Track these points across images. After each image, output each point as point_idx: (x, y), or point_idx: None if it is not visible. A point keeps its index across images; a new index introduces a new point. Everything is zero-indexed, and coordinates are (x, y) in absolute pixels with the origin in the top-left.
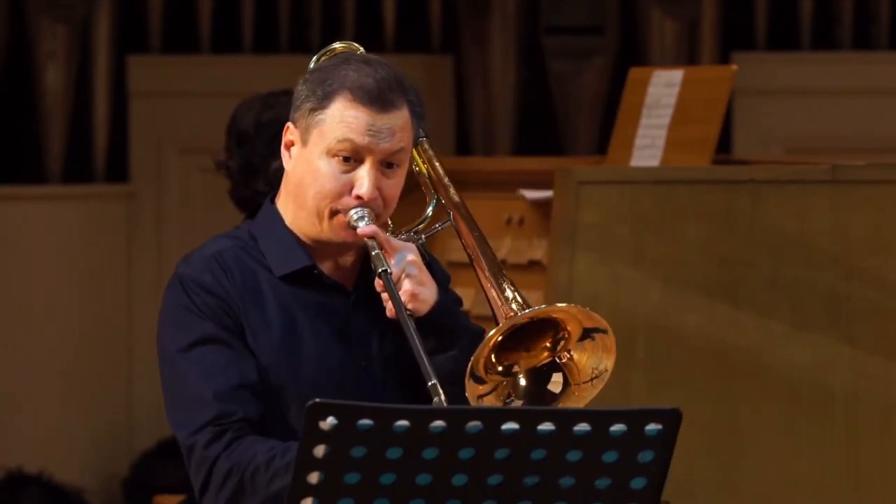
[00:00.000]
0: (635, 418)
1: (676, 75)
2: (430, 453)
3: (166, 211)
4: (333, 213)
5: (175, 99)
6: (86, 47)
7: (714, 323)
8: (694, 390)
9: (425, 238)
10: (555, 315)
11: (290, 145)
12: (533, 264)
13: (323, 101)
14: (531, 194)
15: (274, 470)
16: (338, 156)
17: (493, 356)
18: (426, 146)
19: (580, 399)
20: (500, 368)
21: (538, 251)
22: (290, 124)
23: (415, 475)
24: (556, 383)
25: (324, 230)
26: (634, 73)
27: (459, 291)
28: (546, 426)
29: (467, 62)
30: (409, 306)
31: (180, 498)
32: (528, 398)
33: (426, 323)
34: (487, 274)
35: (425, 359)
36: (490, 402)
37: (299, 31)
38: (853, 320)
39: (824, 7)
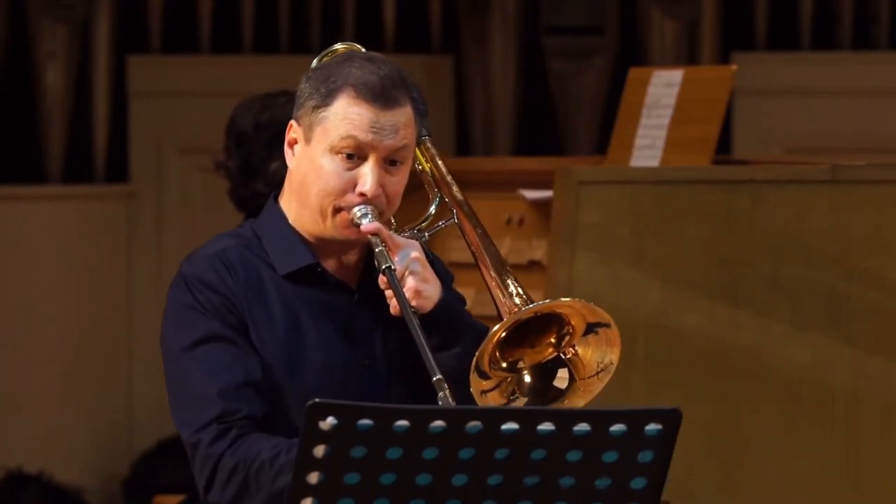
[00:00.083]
0: (635, 418)
1: (676, 75)
2: (430, 453)
3: (166, 211)
4: (337, 210)
5: (175, 99)
6: (86, 47)
7: (714, 323)
8: (694, 390)
9: (428, 236)
10: (558, 310)
11: (293, 143)
12: (533, 264)
13: (326, 99)
14: (531, 194)
15: (278, 466)
16: (341, 153)
17: (497, 352)
18: (429, 144)
19: (587, 394)
20: (504, 365)
21: (538, 251)
22: (293, 122)
23: (415, 475)
24: (561, 379)
25: (327, 228)
26: (634, 73)
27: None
28: (546, 426)
29: (467, 62)
30: (413, 303)
31: (180, 498)
32: (533, 394)
33: (430, 320)
34: (492, 272)
35: (430, 354)
36: (494, 398)
37: (299, 31)
38: (853, 320)
39: (824, 7)
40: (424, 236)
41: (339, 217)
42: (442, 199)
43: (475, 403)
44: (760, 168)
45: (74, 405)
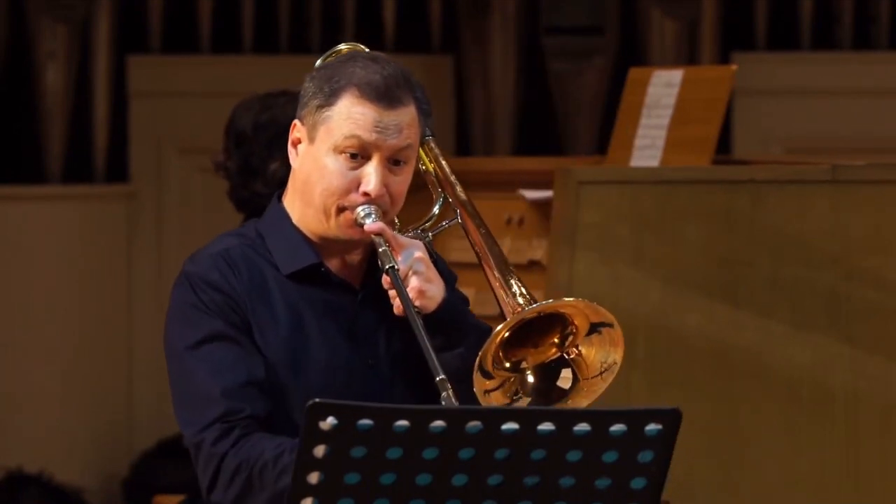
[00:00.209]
0: (635, 418)
1: (676, 75)
2: (430, 453)
3: (166, 211)
4: (340, 210)
5: (175, 99)
6: (86, 47)
7: (714, 323)
8: (694, 390)
9: (432, 236)
10: (562, 310)
11: (296, 142)
12: (533, 264)
13: (330, 98)
14: (531, 194)
15: (282, 466)
16: (345, 152)
17: (500, 352)
18: (432, 144)
19: (590, 394)
20: (507, 365)
21: (538, 251)
22: (296, 121)
23: (415, 475)
24: (565, 379)
25: (331, 227)
26: (634, 73)
27: None
28: (546, 426)
29: (467, 62)
30: (417, 303)
31: (180, 498)
32: (537, 395)
33: (433, 320)
34: (496, 272)
35: (433, 354)
36: (497, 397)
37: (299, 31)
38: (853, 320)
39: (824, 7)
40: (428, 236)
41: (342, 217)
42: (445, 199)
43: (478, 403)
44: (760, 168)
45: (74, 405)
